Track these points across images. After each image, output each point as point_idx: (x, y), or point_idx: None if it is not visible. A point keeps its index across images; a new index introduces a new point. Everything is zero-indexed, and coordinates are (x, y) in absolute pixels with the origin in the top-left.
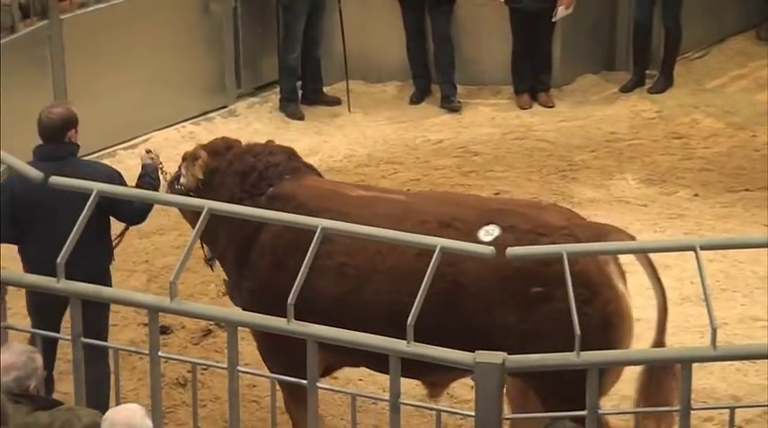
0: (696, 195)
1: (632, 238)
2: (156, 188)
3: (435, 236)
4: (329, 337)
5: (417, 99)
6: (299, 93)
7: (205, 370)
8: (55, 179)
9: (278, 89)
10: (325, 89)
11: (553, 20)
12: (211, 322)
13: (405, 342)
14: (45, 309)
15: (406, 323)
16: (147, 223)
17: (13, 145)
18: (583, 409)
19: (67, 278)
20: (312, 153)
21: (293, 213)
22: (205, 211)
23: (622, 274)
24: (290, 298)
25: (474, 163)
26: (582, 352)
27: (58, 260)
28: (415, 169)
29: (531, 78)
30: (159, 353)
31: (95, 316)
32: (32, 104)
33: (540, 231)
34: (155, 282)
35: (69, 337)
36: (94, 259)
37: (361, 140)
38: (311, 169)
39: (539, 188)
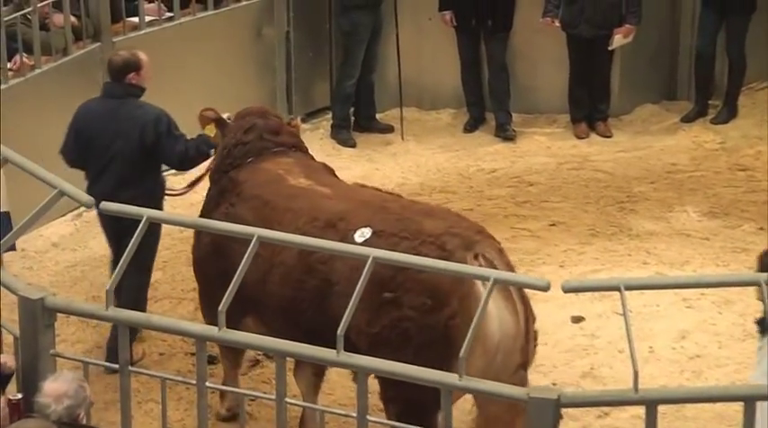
0: (761, 229)
1: (500, 249)
2: (205, 155)
3: (317, 235)
4: (379, 369)
5: (471, 127)
6: (352, 119)
7: (253, 401)
8: (105, 205)
9: (329, 115)
10: (378, 116)
11: (609, 48)
12: (259, 352)
13: (456, 376)
14: (123, 237)
15: (294, 317)
16: None
17: (65, 167)
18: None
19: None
20: (364, 181)
21: (233, 199)
22: (255, 240)
23: (508, 295)
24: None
25: (529, 193)
26: (641, 389)
27: (107, 287)
28: (468, 199)
29: (589, 107)
30: (207, 384)
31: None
32: None
33: (404, 235)
34: None
35: (117, 366)
36: (147, 189)
37: (414, 169)
38: (292, 147)
39: (595, 219)
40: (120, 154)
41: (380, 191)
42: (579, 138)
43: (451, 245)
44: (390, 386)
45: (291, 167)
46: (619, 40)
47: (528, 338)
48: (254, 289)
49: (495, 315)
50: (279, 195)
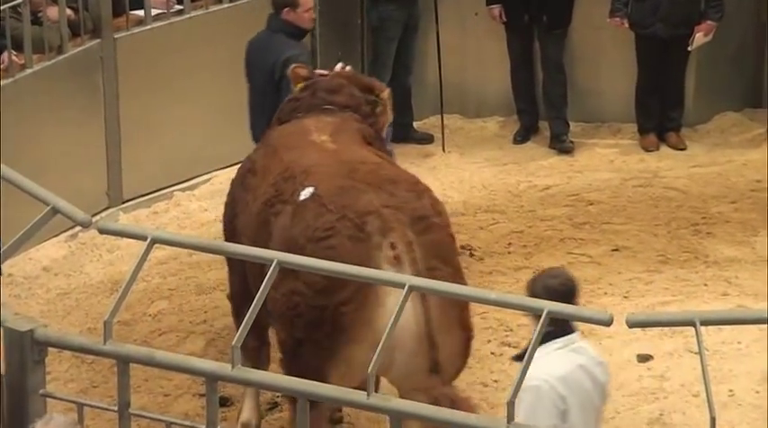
0: None
1: (409, 242)
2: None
3: (279, 185)
4: (413, 413)
5: (522, 138)
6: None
7: None
8: (102, 225)
9: None
10: (415, 124)
11: (689, 48)
12: (278, 393)
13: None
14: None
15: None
16: (208, 277)
17: (60, 181)
18: None
19: None
20: None
21: (260, 146)
22: (274, 265)
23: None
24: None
25: (588, 213)
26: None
27: (105, 318)
28: (518, 220)
29: (660, 115)
30: None
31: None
32: (81, 137)
33: (330, 208)
34: (214, 346)
35: (116, 408)
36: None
37: (457, 185)
38: (345, 107)
39: (666, 244)
40: (255, 86)
41: (389, 164)
42: (648, 150)
43: (371, 228)
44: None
45: (326, 125)
46: (700, 38)
47: (432, 342)
48: (236, 234)
49: (391, 311)
50: (286, 146)
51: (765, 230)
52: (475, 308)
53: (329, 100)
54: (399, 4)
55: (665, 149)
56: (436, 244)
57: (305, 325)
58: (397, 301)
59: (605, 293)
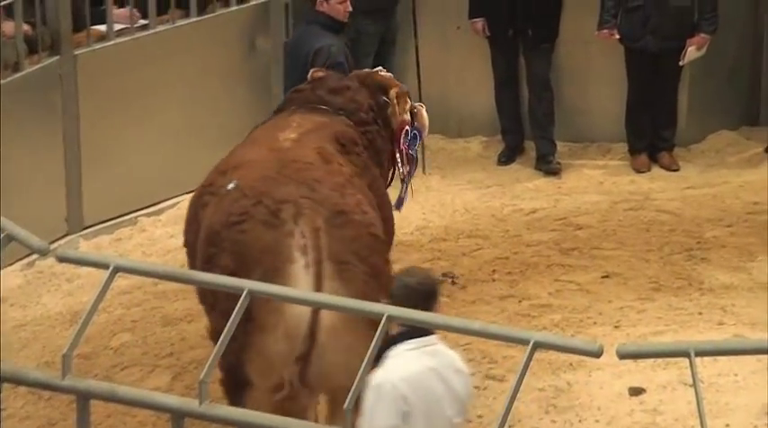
0: None
1: (316, 228)
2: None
3: (214, 178)
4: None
5: (507, 158)
6: None
7: None
8: (61, 253)
9: None
10: None
11: (681, 63)
12: None
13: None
14: None
15: None
16: (174, 307)
17: (15, 206)
18: None
19: None
20: None
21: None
22: (244, 294)
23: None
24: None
25: (576, 238)
26: None
27: (64, 351)
28: (502, 245)
29: (651, 134)
30: None
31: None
32: (39, 160)
33: (247, 193)
34: (180, 380)
35: None
36: None
37: (438, 208)
38: (339, 109)
39: (658, 270)
40: (291, 80)
41: (329, 169)
42: (639, 171)
43: (285, 214)
44: None
45: (305, 124)
46: (692, 52)
47: (307, 355)
48: None
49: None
50: (250, 141)
51: (763, 255)
52: (458, 339)
53: (326, 99)
54: (375, 17)
55: (657, 170)
56: (353, 240)
57: (220, 314)
58: (308, 287)
59: (595, 323)
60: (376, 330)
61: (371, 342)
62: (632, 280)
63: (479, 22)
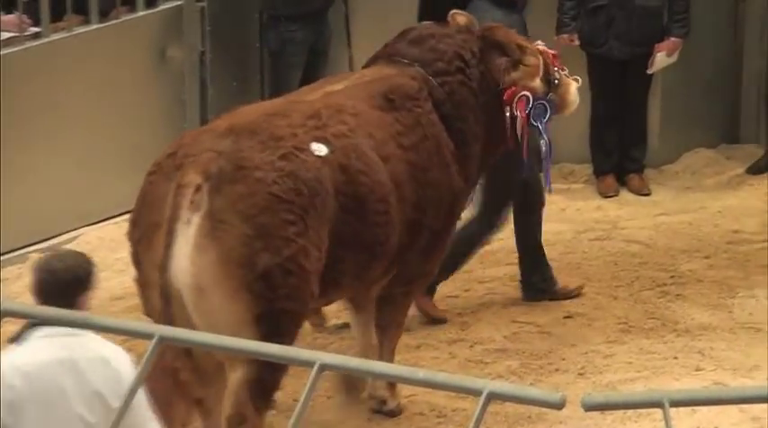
0: None
1: (198, 185)
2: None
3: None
4: None
5: None
6: None
7: None
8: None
9: None
10: None
11: (649, 71)
12: None
13: None
14: None
15: None
16: None
17: None
18: None
19: None
20: None
21: None
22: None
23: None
24: None
25: None
26: None
27: None
28: (451, 281)
29: (619, 154)
30: None
31: None
32: None
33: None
34: None
35: None
36: None
37: None
38: (412, 59)
39: (628, 309)
40: None
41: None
42: (606, 196)
43: (184, 168)
44: None
45: (364, 76)
46: (662, 59)
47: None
48: None
49: (178, 254)
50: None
51: (744, 291)
52: (402, 390)
53: (402, 51)
54: (303, 23)
55: (625, 195)
56: (242, 197)
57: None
58: (185, 242)
59: (557, 369)
60: (248, 293)
61: (240, 305)
62: (599, 320)
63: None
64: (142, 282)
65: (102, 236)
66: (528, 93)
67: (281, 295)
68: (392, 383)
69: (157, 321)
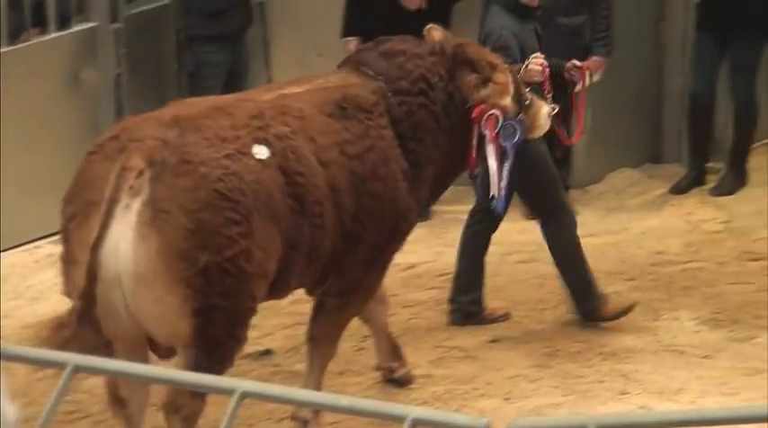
0: None
1: (140, 170)
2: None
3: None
4: None
5: None
6: None
7: None
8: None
9: None
10: None
11: (575, 91)
12: None
13: None
14: None
15: None
16: None
17: None
18: None
19: None
20: None
21: None
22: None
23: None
24: None
25: None
26: None
27: None
28: None
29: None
30: None
31: None
32: None
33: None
34: None
35: None
36: None
37: None
38: (376, 73)
39: (554, 333)
40: None
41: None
42: (529, 218)
43: (128, 152)
44: None
45: (326, 82)
46: (586, 78)
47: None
48: None
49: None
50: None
51: (670, 313)
52: (325, 417)
53: (370, 62)
54: (221, 44)
55: None
56: (186, 190)
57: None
58: (123, 226)
59: (482, 394)
60: (186, 287)
61: (177, 298)
62: (525, 344)
63: (354, 42)
64: (67, 259)
65: (13, 262)
66: (497, 112)
67: (216, 292)
68: None
69: (75, 299)
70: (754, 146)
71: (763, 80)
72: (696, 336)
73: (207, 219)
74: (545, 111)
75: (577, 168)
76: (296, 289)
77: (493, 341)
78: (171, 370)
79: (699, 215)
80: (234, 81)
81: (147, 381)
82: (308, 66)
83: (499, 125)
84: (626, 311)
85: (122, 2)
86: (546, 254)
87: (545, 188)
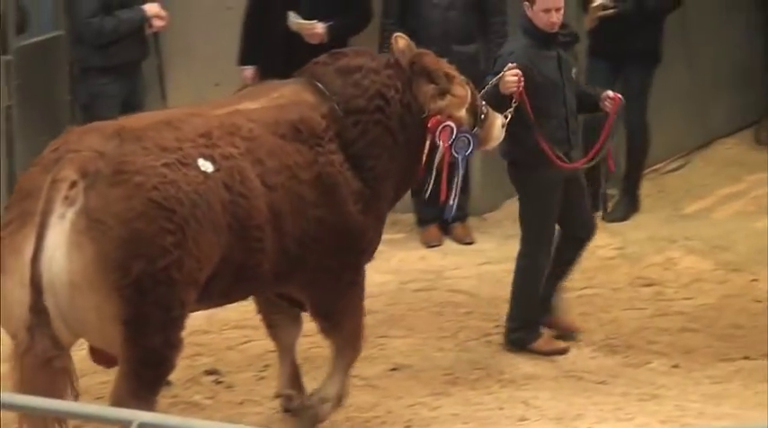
0: (675, 366)
1: (73, 182)
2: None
3: None
4: None
5: None
6: None
7: None
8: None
9: None
10: None
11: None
12: None
13: None
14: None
15: None
16: None
17: None
18: None
19: None
20: None
21: None
22: None
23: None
24: None
25: None
26: None
27: None
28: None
29: (441, 203)
30: None
31: None
32: None
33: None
34: None
35: None
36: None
37: None
38: (331, 92)
39: (453, 360)
40: None
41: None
42: (429, 246)
43: (62, 163)
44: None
45: (282, 99)
46: None
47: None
48: None
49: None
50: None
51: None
52: None
53: (326, 79)
54: (116, 75)
55: (449, 244)
56: (120, 200)
57: None
58: (58, 236)
59: (383, 422)
60: (119, 297)
61: (111, 307)
62: (425, 372)
63: (250, 71)
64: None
65: None
66: (452, 124)
67: (148, 301)
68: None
69: (18, 317)
70: (646, 172)
71: (651, 107)
72: (593, 362)
73: (141, 229)
74: (499, 123)
75: (475, 196)
76: (220, 303)
77: (393, 369)
78: (75, 404)
79: (593, 241)
80: (129, 113)
81: (53, 415)
82: (204, 96)
83: (453, 136)
84: (558, 352)
85: (12, 33)
86: (444, 282)
87: (538, 220)
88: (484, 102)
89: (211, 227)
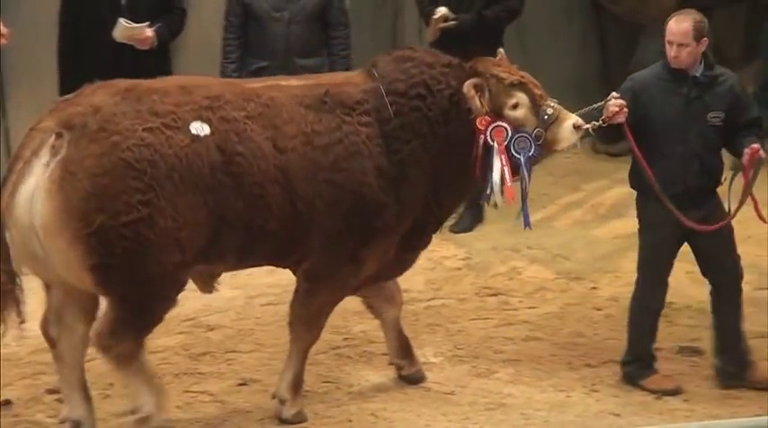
0: (521, 375)
1: (54, 144)
2: None
3: None
4: None
5: None
6: None
7: None
8: None
9: None
10: None
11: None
12: None
13: None
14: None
15: None
16: None
17: None
18: None
19: None
20: None
21: None
22: None
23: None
24: None
25: (209, 342)
26: None
27: None
28: None
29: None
30: None
31: None
32: None
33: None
34: None
35: None
36: None
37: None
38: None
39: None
40: None
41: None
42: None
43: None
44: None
45: (326, 78)
46: None
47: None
48: None
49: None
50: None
51: (415, 350)
52: None
53: (380, 64)
54: None
55: None
56: (93, 156)
57: None
58: (37, 180)
59: None
60: (83, 245)
61: (76, 253)
62: (273, 387)
63: None
64: None
65: None
66: (505, 124)
67: (112, 252)
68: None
69: None
70: None
71: None
72: (441, 373)
73: (106, 184)
74: (569, 124)
75: None
76: (248, 264)
77: (241, 383)
78: None
79: (440, 252)
80: None
81: None
82: (41, 110)
83: (508, 137)
84: (670, 392)
85: None
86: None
87: (649, 253)
88: (553, 102)
89: (194, 187)
